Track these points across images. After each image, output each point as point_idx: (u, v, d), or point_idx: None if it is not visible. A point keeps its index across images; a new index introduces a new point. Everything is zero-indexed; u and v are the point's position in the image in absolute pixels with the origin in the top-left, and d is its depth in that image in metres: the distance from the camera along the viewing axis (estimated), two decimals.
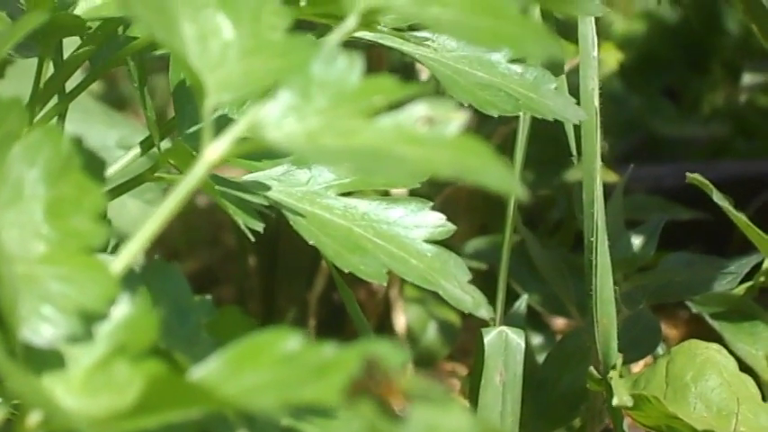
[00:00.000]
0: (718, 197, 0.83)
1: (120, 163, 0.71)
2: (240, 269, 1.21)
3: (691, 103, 1.60)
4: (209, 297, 0.63)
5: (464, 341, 1.16)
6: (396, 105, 0.50)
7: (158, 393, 0.45)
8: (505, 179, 0.46)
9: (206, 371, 0.48)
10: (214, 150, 0.50)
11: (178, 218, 1.27)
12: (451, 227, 0.70)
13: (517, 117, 0.82)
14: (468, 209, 1.13)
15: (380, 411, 0.46)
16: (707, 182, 0.82)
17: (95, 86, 1.24)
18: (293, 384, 0.46)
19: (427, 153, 0.48)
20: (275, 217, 1.07)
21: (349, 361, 0.47)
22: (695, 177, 0.82)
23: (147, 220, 0.51)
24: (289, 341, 0.48)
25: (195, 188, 0.55)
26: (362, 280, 1.03)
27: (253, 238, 0.66)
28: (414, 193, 0.81)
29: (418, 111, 0.49)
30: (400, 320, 1.10)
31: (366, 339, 0.48)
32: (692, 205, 1.15)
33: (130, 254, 0.51)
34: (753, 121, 1.49)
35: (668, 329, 1.15)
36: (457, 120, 0.50)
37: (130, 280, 0.55)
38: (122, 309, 0.51)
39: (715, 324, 0.89)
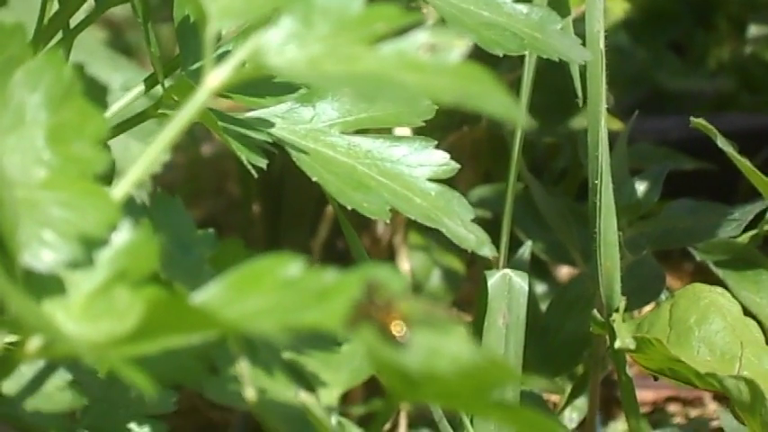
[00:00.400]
0: (722, 143, 0.82)
1: (123, 100, 0.70)
2: (244, 218, 1.22)
3: (696, 56, 1.59)
4: (211, 230, 0.63)
5: (468, 291, 1.16)
6: (398, 33, 0.49)
7: (158, 318, 0.44)
8: (507, 105, 0.45)
9: (207, 296, 0.48)
10: (215, 77, 0.50)
11: (183, 167, 1.27)
12: (455, 165, 0.70)
13: (522, 64, 0.80)
14: (473, 157, 1.13)
15: (381, 336, 0.46)
16: (711, 127, 0.81)
17: (101, 35, 1.23)
18: (294, 309, 0.46)
19: (429, 79, 0.47)
20: (280, 166, 1.07)
21: (350, 286, 0.47)
22: (699, 122, 0.81)
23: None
24: (290, 266, 0.47)
25: (196, 116, 0.54)
26: (366, 227, 1.03)
27: (256, 174, 0.65)
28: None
29: (420, 38, 0.49)
30: (404, 267, 1.10)
31: (366, 266, 0.47)
32: (698, 157, 1.14)
33: (132, 180, 0.51)
34: (758, 75, 1.48)
35: (673, 281, 1.15)
36: (459, 47, 0.50)
37: (132, 207, 0.55)
38: (123, 235, 0.51)
39: (719, 272, 0.88)
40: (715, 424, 1.18)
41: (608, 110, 0.81)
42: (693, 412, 1.34)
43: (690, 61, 1.56)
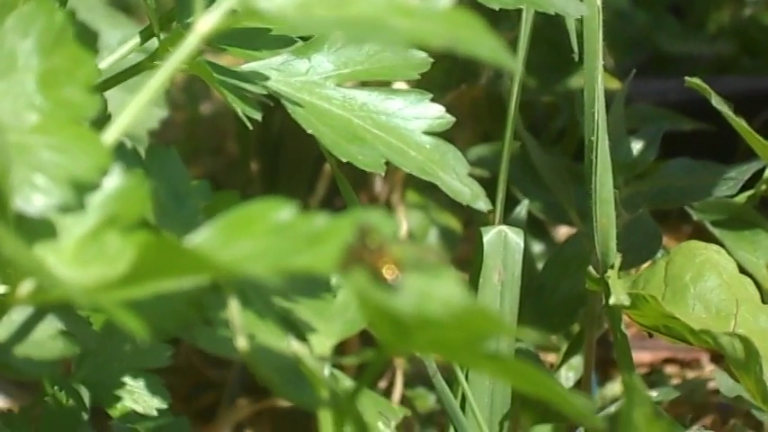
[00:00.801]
0: (718, 102, 0.82)
1: (118, 52, 0.70)
2: (243, 176, 1.22)
3: (696, 19, 1.58)
4: (206, 181, 0.62)
5: (467, 252, 1.16)
6: None
7: (149, 261, 0.44)
8: (497, 50, 0.45)
9: (198, 240, 0.48)
10: (205, 23, 0.50)
11: (182, 126, 1.27)
12: (451, 119, 0.69)
13: (520, 20, 0.80)
14: (472, 116, 1.12)
15: (372, 280, 0.46)
16: (706, 87, 0.81)
17: None
18: (287, 252, 0.46)
19: (419, 24, 0.47)
20: (278, 124, 1.07)
21: (342, 230, 0.46)
22: (694, 82, 0.81)
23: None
24: (282, 211, 0.47)
25: (188, 65, 0.54)
26: (364, 185, 1.03)
27: (251, 127, 0.65)
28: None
29: None
30: (402, 225, 1.10)
31: (358, 211, 0.47)
32: (697, 119, 1.14)
33: (122, 125, 0.51)
34: (758, 38, 1.48)
35: (671, 242, 1.15)
36: None
37: (124, 154, 0.55)
38: (114, 180, 0.51)
39: (715, 231, 0.88)
40: (712, 385, 1.18)
41: (607, 70, 0.81)
42: (690, 374, 1.34)
43: (689, 24, 1.56)
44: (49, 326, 0.60)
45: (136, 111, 0.51)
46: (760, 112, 1.22)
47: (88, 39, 0.52)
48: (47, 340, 0.60)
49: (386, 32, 0.47)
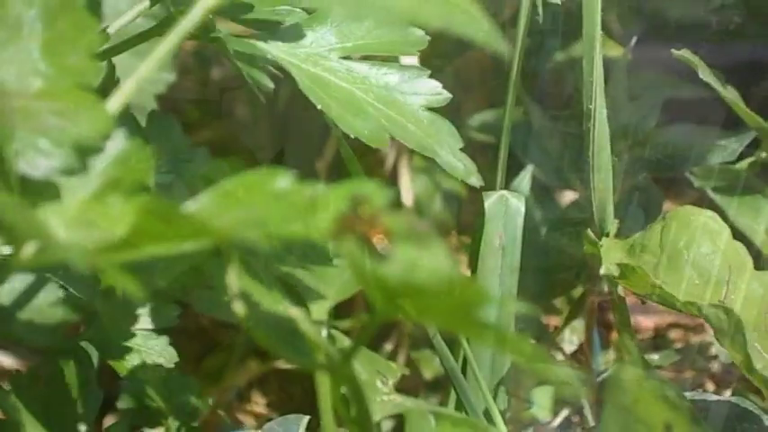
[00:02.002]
0: (704, 74, 0.82)
1: (125, 18, 0.71)
2: (251, 141, 1.22)
3: None
4: (205, 148, 0.63)
5: (472, 215, 1.16)
6: None
7: (150, 225, 0.45)
8: (489, 34, 0.46)
9: (197, 205, 0.48)
10: None
11: (191, 90, 1.27)
12: (447, 95, 0.71)
13: None
14: (480, 82, 1.13)
15: (364, 248, 0.47)
16: (694, 58, 0.81)
17: None
18: (283, 220, 0.47)
19: (415, 4, 0.48)
20: (287, 91, 1.07)
21: (336, 198, 0.47)
22: (680, 54, 0.82)
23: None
24: (279, 180, 0.48)
25: (199, 34, 0.55)
26: (371, 149, 1.03)
27: (263, 98, 0.66)
28: (424, 65, 0.80)
29: None
30: (407, 190, 1.11)
31: (353, 181, 0.48)
32: (703, 86, 1.14)
33: (127, 91, 0.52)
34: (765, 6, 1.48)
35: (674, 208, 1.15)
36: None
37: (128, 120, 0.56)
38: (117, 144, 0.52)
39: (717, 198, 0.89)
40: (715, 350, 1.18)
41: (611, 38, 0.81)
42: (695, 338, 1.35)
43: None
44: (50, 293, 0.61)
45: (141, 78, 0.51)
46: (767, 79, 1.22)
47: (92, 6, 0.53)
48: (47, 306, 0.61)
49: (382, 11, 0.48)
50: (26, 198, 0.47)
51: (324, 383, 0.56)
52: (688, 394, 0.82)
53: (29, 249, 0.49)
